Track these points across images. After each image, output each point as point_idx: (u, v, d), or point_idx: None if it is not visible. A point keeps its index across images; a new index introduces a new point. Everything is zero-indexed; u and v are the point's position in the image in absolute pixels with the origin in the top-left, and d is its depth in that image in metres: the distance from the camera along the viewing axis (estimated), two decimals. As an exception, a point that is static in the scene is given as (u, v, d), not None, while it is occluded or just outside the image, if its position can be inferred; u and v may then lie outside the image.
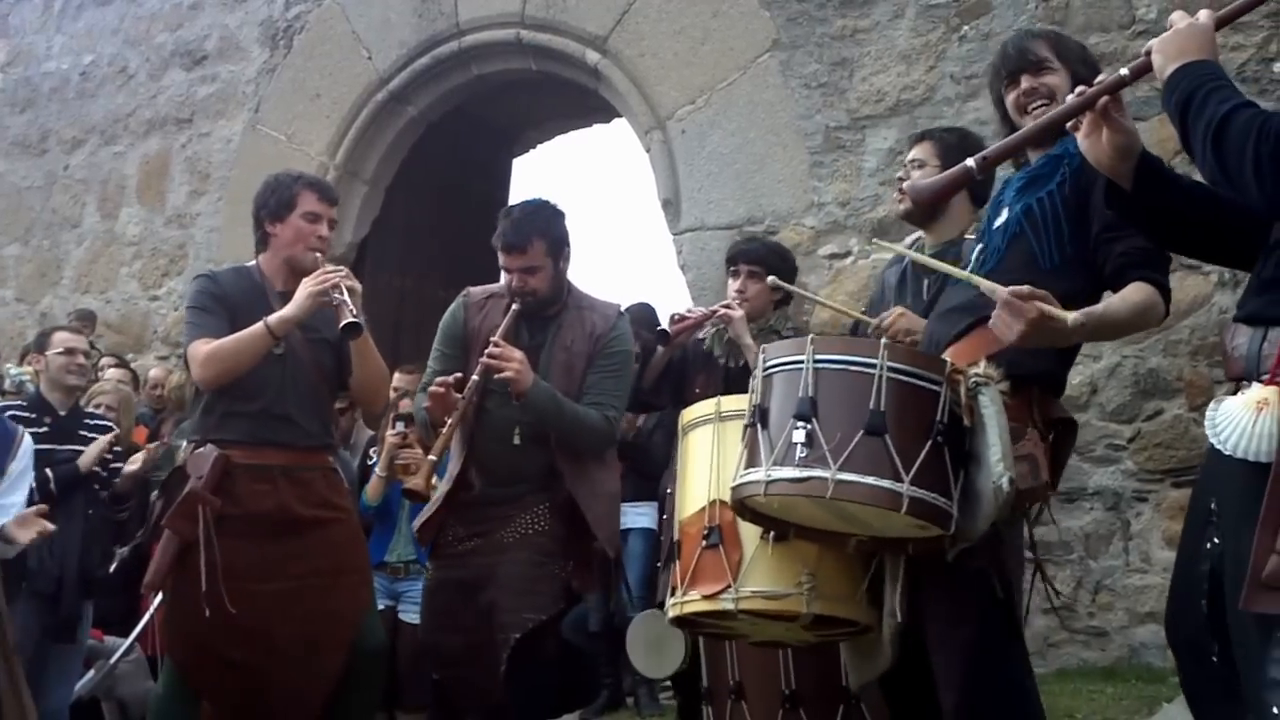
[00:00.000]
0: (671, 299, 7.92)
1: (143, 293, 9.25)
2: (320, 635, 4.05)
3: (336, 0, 8.63)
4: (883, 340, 2.86)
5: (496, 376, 4.17)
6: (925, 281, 3.99)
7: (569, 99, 8.65)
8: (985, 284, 2.84)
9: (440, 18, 8.17)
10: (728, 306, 4.81)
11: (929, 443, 2.59)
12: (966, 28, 6.37)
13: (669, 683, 5.56)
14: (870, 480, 2.53)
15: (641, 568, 6.43)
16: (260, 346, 4.01)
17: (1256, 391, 2.20)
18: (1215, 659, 2.30)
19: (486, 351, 4.17)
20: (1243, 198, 2.19)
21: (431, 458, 4.16)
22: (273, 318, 4.00)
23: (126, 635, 5.67)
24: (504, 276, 4.38)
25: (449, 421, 4.13)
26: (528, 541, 4.25)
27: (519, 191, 10.16)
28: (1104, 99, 2.49)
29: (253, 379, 4.06)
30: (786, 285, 4.85)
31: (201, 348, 4.03)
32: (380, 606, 6.24)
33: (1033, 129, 2.64)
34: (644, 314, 6.97)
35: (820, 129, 6.71)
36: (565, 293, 4.46)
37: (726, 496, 2.85)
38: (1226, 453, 2.21)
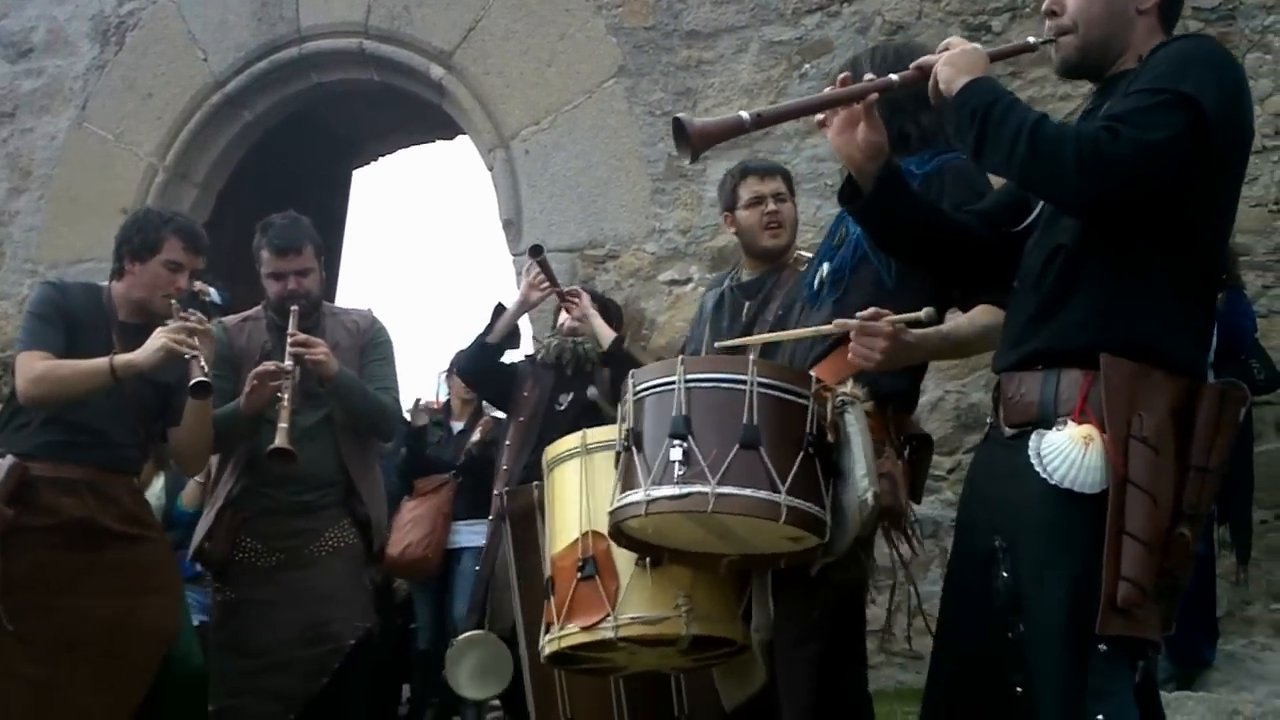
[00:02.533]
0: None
1: (-45, 290, 8.88)
2: (124, 654, 3.95)
3: (172, -1, 8.44)
4: (751, 357, 2.93)
5: (307, 358, 4.26)
6: (746, 306, 4.12)
7: (412, 112, 8.58)
8: (829, 328, 2.96)
9: (281, 22, 8.04)
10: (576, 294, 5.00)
11: (801, 454, 2.66)
12: (808, 66, 6.55)
13: (498, 700, 5.59)
14: (749, 492, 2.59)
15: (473, 587, 6.42)
16: (98, 384, 3.90)
17: (1077, 428, 2.35)
18: (1020, 689, 2.42)
19: (290, 343, 4.25)
20: (1048, 192, 2.44)
21: (282, 425, 4.08)
22: (119, 360, 3.88)
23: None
24: (272, 285, 4.46)
25: (285, 395, 4.15)
26: (340, 554, 4.37)
27: (358, 203, 10.05)
28: (873, 95, 2.64)
29: None
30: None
31: (36, 362, 3.89)
32: (195, 622, 6.13)
33: (805, 102, 2.78)
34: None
35: (663, 156, 6.81)
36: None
37: (599, 527, 2.88)
38: (1053, 484, 2.34)
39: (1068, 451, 2.34)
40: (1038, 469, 2.37)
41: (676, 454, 2.63)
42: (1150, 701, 2.39)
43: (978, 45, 2.60)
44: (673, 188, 6.73)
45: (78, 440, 3.96)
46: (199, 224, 4.41)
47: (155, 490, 6.19)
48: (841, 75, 2.74)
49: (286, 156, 8.72)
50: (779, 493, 2.60)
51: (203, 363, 3.86)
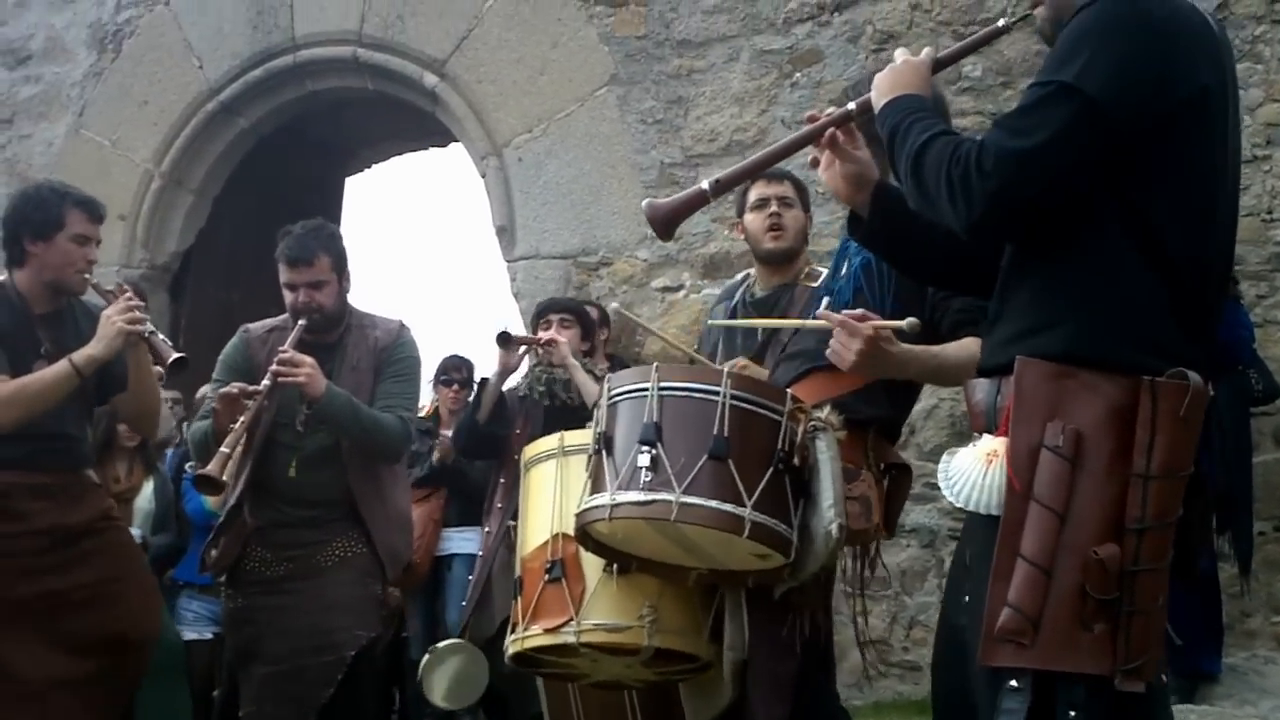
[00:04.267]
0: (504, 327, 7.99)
1: (-50, 298, 8.88)
2: (113, 643, 3.93)
3: (169, 7, 8.43)
4: (725, 368, 2.90)
5: (285, 381, 4.13)
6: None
7: (405, 120, 8.59)
8: (814, 322, 2.93)
9: (275, 30, 8.05)
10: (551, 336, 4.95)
11: (770, 470, 2.65)
12: (798, 75, 6.53)
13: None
14: (713, 503, 2.57)
15: (465, 594, 6.41)
16: (67, 389, 3.82)
17: (987, 443, 2.21)
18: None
19: (275, 360, 4.14)
20: (943, 222, 2.23)
21: (224, 449, 3.98)
22: (78, 357, 3.81)
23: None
24: (286, 296, 4.38)
25: (240, 420, 4.05)
26: (348, 564, 4.28)
27: (352, 210, 10.04)
28: (831, 130, 2.54)
29: None
30: (628, 314, 4.98)
31: None
32: (208, 635, 6.13)
33: (763, 156, 2.67)
34: (457, 363, 7.04)
35: (655, 164, 6.81)
36: (348, 314, 4.49)
37: (570, 530, 2.85)
38: (958, 506, 2.22)
39: (969, 471, 2.22)
40: (945, 491, 2.27)
41: (645, 460, 2.62)
42: None
43: (921, 55, 2.44)
44: (665, 195, 6.67)
45: (43, 446, 3.89)
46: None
47: (145, 494, 6.17)
48: (808, 114, 2.65)
49: (281, 163, 8.73)
50: (744, 506, 2.58)
51: (162, 337, 3.84)
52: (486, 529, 4.86)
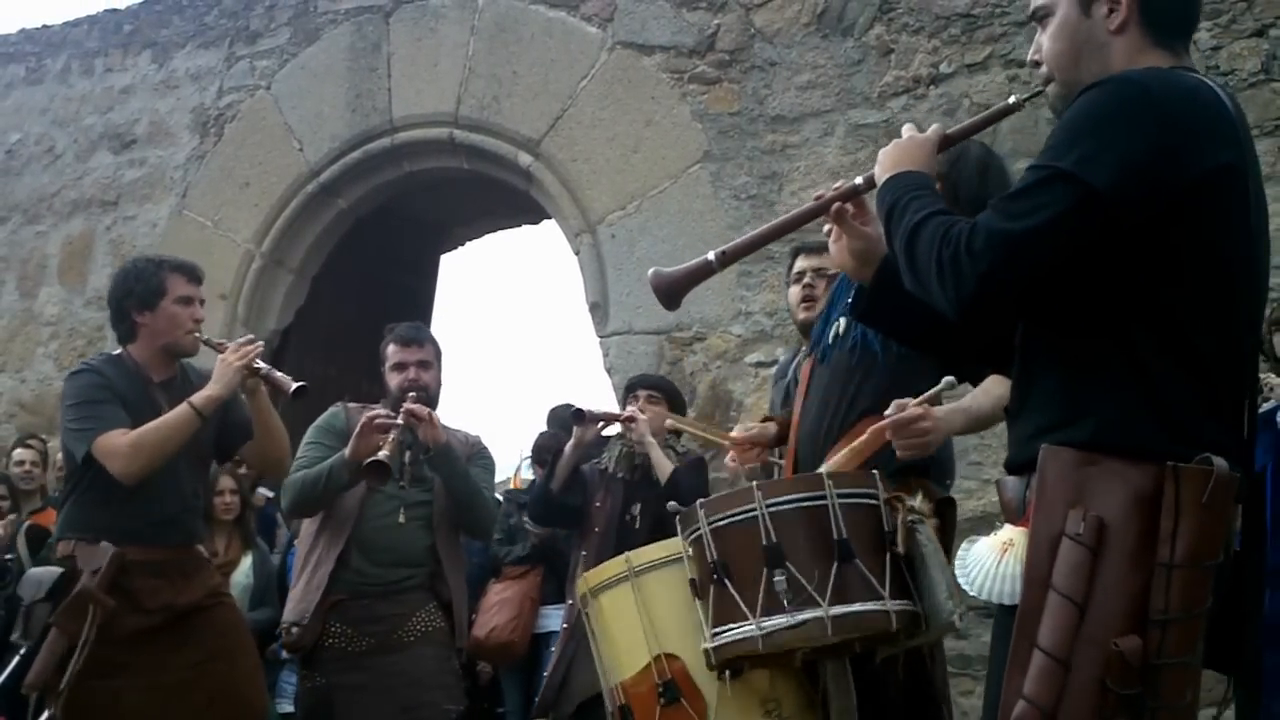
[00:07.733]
0: (597, 401, 8.06)
1: (58, 373, 9.07)
2: (227, 717, 3.99)
3: (269, 91, 8.66)
4: (823, 472, 2.91)
5: (417, 412, 4.29)
6: None
7: (499, 198, 8.71)
8: (864, 439, 2.98)
9: (374, 113, 8.23)
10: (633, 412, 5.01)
11: (888, 554, 2.69)
12: (894, 148, 6.52)
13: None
14: (858, 607, 2.62)
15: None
16: (189, 430, 3.89)
17: (1004, 532, 2.20)
18: None
19: (407, 400, 4.32)
20: (934, 304, 2.15)
21: (391, 439, 4.15)
22: (197, 398, 3.90)
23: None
24: (394, 377, 4.53)
25: (391, 436, 4.18)
26: (429, 638, 4.36)
27: (446, 287, 10.15)
28: (838, 205, 2.49)
29: None
30: (673, 418, 5.16)
31: (119, 439, 3.84)
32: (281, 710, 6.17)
33: (770, 228, 2.63)
34: (565, 414, 7.04)
35: (749, 240, 6.81)
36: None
37: (671, 649, 2.87)
38: (972, 595, 2.20)
39: (983, 559, 2.20)
40: (960, 579, 2.25)
41: (781, 584, 2.63)
42: None
43: (928, 131, 2.41)
44: (759, 270, 6.73)
45: (159, 519, 3.96)
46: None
47: (244, 568, 6.26)
48: (817, 193, 2.60)
49: (377, 242, 8.89)
50: (883, 599, 2.63)
51: (279, 371, 3.95)
52: (570, 602, 4.87)
